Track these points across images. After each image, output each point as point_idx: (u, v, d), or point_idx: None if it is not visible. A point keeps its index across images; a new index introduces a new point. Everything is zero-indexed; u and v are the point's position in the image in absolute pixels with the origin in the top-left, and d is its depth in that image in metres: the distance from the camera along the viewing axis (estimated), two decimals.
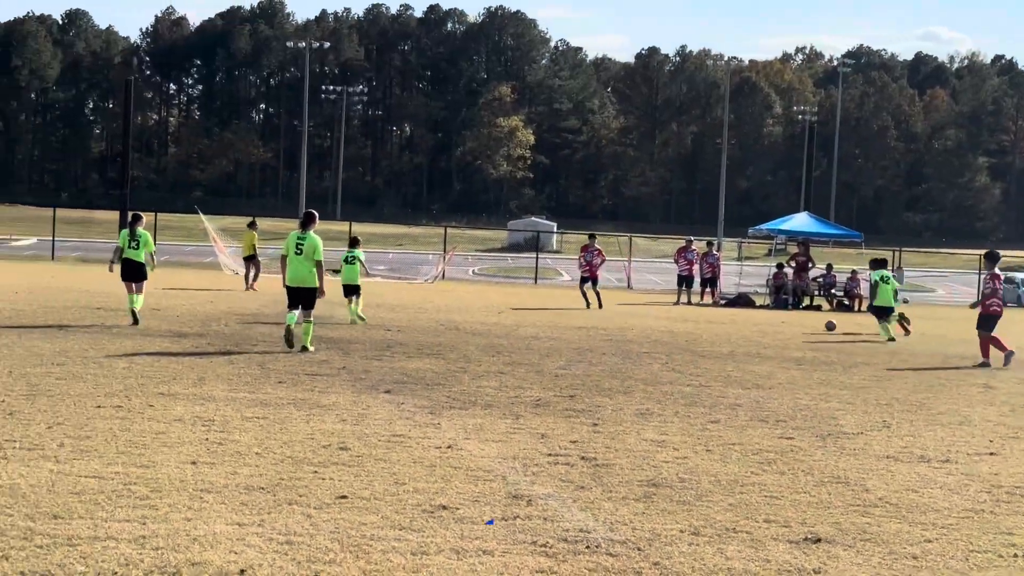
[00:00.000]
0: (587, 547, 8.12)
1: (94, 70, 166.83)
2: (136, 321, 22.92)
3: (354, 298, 26.81)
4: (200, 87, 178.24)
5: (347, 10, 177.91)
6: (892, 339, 28.15)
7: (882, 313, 29.10)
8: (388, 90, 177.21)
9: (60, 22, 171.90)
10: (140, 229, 24.31)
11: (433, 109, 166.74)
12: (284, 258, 20.54)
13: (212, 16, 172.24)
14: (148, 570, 7.14)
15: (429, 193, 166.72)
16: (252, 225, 40.57)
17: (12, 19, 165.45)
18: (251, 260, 38.79)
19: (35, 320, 23.12)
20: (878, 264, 30.47)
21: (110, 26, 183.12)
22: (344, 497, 9.26)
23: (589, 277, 37.55)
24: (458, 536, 8.22)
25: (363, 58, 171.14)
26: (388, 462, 10.68)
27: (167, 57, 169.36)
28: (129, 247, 24.06)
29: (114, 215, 69.76)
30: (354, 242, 28.65)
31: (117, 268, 24.42)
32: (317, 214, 21.47)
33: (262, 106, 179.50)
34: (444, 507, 9.06)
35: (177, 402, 13.59)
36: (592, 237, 39.40)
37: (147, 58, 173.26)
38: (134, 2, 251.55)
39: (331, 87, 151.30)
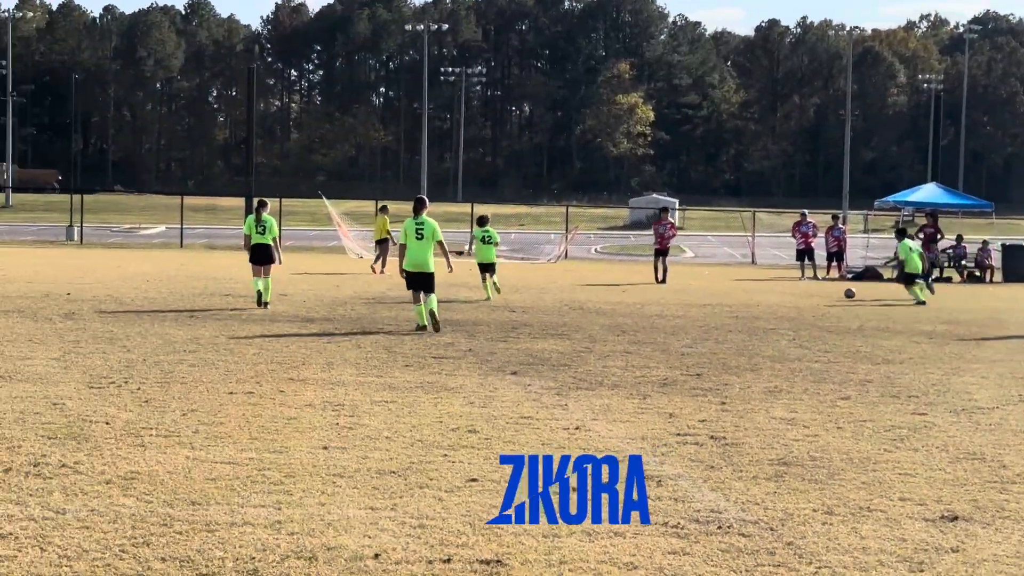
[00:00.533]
0: (719, 527, 8.08)
1: (216, 59, 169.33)
2: (260, 303, 23.43)
3: (488, 275, 27.48)
4: (320, 72, 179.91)
5: None
6: (923, 302, 29.34)
7: (912, 279, 30.21)
8: (506, 70, 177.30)
9: (183, 12, 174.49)
10: (265, 215, 24.90)
11: (552, 88, 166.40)
12: (403, 246, 20.72)
13: (331, 1, 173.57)
14: (285, 555, 7.24)
15: (549, 172, 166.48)
16: (383, 210, 41.04)
17: (137, 10, 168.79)
18: (383, 244, 39.23)
19: (166, 307, 23.56)
20: (903, 234, 31.38)
21: (231, 15, 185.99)
22: (474, 480, 9.30)
23: (660, 249, 37.55)
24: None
25: (481, 39, 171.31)
26: (517, 444, 10.70)
27: (287, 44, 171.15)
28: (256, 233, 24.60)
29: (239, 201, 70.78)
30: (482, 220, 29.18)
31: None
32: (427, 199, 21.77)
33: (382, 89, 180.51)
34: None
35: (307, 387, 13.75)
36: (664, 211, 39.50)
37: (268, 45, 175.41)
38: None
39: (450, 69, 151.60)
